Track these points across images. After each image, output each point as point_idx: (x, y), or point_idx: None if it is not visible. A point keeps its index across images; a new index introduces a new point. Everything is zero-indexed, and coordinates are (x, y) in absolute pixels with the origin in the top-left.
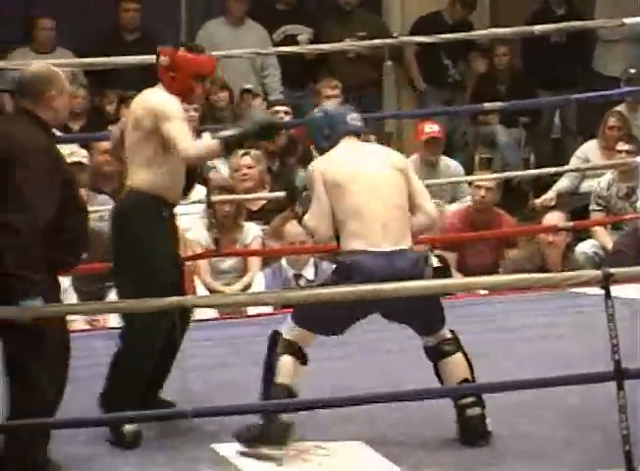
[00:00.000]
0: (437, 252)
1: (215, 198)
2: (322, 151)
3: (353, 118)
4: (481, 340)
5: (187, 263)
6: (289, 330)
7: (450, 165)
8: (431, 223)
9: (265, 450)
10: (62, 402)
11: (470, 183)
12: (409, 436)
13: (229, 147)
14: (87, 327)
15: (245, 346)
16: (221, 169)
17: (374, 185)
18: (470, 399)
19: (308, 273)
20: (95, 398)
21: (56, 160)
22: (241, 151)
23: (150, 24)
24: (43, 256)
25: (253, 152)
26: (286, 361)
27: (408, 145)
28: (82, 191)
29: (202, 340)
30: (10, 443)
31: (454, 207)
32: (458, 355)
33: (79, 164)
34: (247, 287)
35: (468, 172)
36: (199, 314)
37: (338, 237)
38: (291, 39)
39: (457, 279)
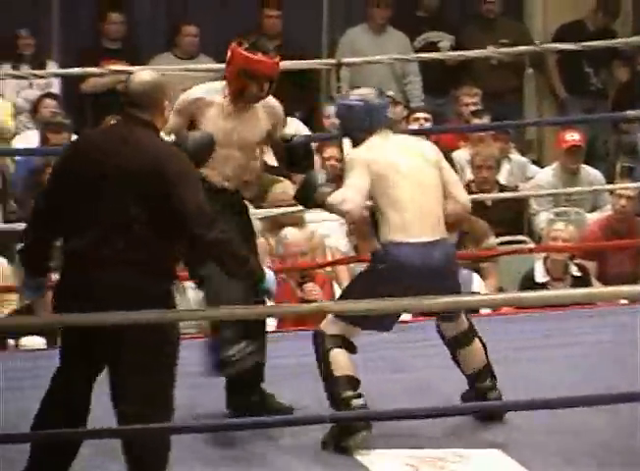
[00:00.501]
0: (577, 261)
1: None
2: (355, 140)
3: (390, 111)
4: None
5: (327, 269)
6: (332, 326)
7: (590, 173)
8: (463, 211)
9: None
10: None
11: (611, 192)
12: (545, 443)
13: None
14: None
15: (385, 352)
16: None
17: (414, 178)
18: (491, 383)
19: None
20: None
21: None
22: None
23: (291, 30)
24: None
25: None
26: (337, 353)
27: (549, 153)
28: None
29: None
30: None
31: (595, 216)
32: (476, 342)
33: None
34: None
35: (609, 181)
36: None
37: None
38: (432, 46)
39: (598, 287)
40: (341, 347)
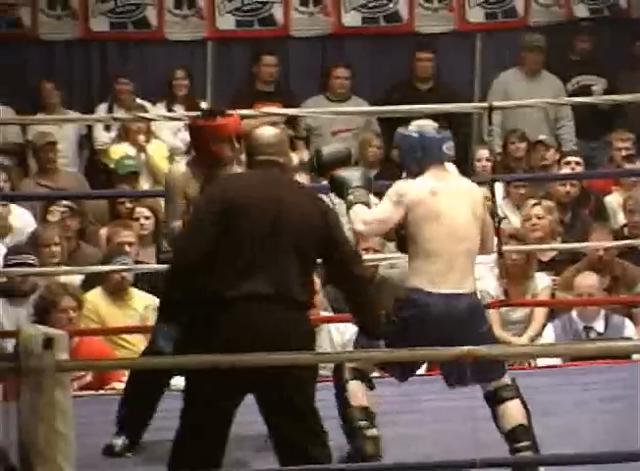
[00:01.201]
0: None
1: (506, 248)
2: (409, 170)
3: (448, 147)
4: None
5: None
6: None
7: None
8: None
9: None
10: None
11: None
12: None
13: None
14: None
15: (534, 396)
16: (512, 218)
17: (452, 228)
18: (525, 444)
19: (599, 325)
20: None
21: None
22: (532, 201)
23: (444, 73)
24: None
25: (544, 202)
26: (354, 384)
27: None
28: (376, 239)
29: None
30: None
31: None
32: (516, 401)
33: None
34: (535, 338)
35: None
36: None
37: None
38: (584, 90)
39: None
40: (357, 379)
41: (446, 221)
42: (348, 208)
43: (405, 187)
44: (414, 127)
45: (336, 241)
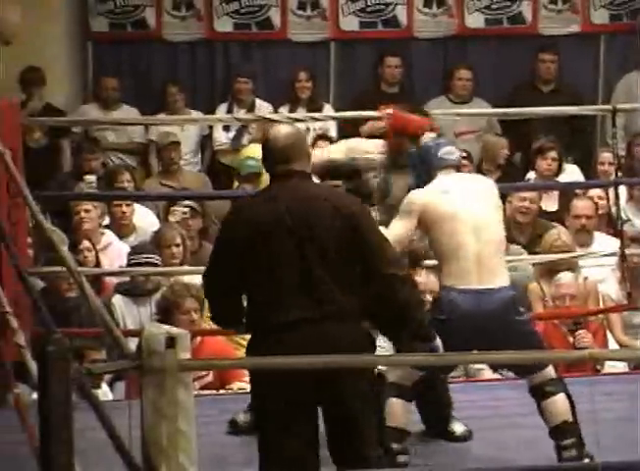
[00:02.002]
0: None
1: (629, 251)
2: (418, 186)
3: (446, 151)
4: None
5: (600, 316)
6: (393, 371)
7: None
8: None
9: None
10: None
11: None
12: None
13: None
14: (497, 377)
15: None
16: (636, 221)
17: (475, 224)
18: (569, 441)
19: None
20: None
21: None
22: None
23: (567, 75)
24: None
25: None
26: (394, 403)
27: None
28: None
29: (615, 393)
30: None
31: None
32: (561, 396)
33: None
34: None
35: None
36: (609, 368)
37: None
38: None
39: None
40: (398, 397)
41: (464, 217)
42: None
43: (414, 196)
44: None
45: (364, 244)
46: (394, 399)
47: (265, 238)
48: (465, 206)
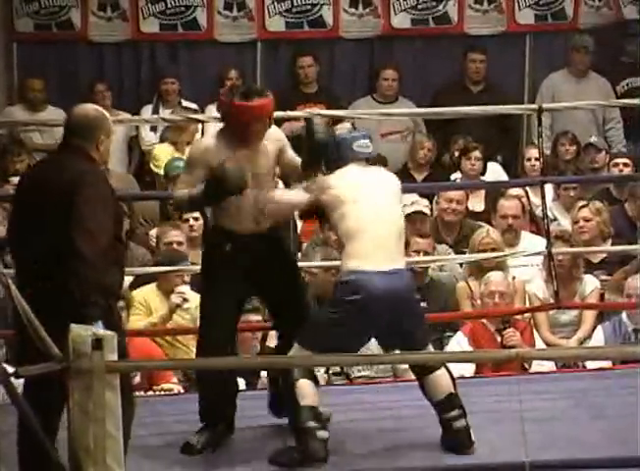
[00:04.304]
0: None
1: (555, 250)
2: (328, 172)
3: (361, 145)
4: None
5: (526, 315)
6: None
7: None
8: None
9: None
10: None
11: None
12: None
13: (190, 204)
14: None
15: (584, 399)
16: (562, 220)
17: (376, 210)
18: (457, 412)
19: None
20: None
21: (110, 193)
22: (581, 203)
23: (493, 75)
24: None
25: (593, 204)
26: (303, 384)
27: None
28: (430, 241)
29: (540, 392)
30: None
31: None
32: (443, 370)
33: (420, 213)
34: (584, 340)
35: None
36: (537, 367)
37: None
38: (635, 91)
39: None
40: (307, 378)
41: (367, 203)
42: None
43: (324, 180)
44: (327, 132)
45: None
46: (303, 380)
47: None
48: (368, 193)
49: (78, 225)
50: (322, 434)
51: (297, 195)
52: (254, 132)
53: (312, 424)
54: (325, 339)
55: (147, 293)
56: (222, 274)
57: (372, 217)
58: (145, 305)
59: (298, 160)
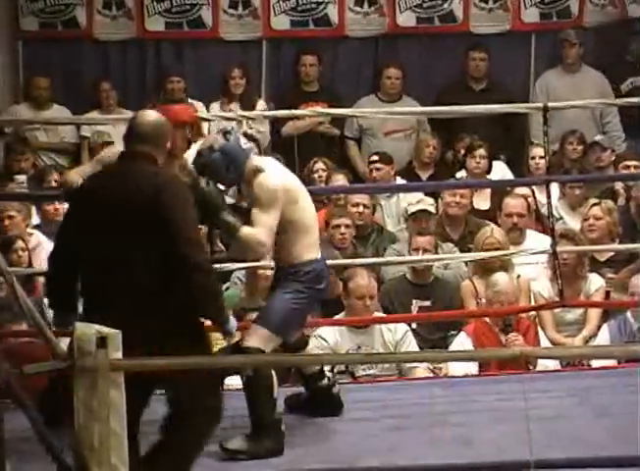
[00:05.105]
0: None
1: (559, 249)
2: (230, 183)
3: (244, 142)
4: None
5: (531, 314)
6: (258, 339)
7: None
8: None
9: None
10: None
11: None
12: None
13: None
14: (430, 375)
15: (589, 398)
16: (567, 219)
17: (310, 205)
18: (327, 382)
19: None
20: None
21: (190, 196)
22: (592, 201)
23: (498, 73)
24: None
25: (604, 203)
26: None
27: None
28: (432, 240)
29: (545, 390)
30: None
31: None
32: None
33: (425, 212)
34: (589, 339)
35: None
36: (541, 366)
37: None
38: (638, 90)
39: None
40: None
41: (306, 198)
42: (231, 231)
43: (272, 183)
44: (203, 149)
45: (165, 225)
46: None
47: (88, 214)
48: (303, 189)
49: (179, 236)
50: (282, 426)
51: (269, 220)
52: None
53: (279, 416)
54: (286, 322)
55: None
56: None
57: (313, 208)
58: None
59: None
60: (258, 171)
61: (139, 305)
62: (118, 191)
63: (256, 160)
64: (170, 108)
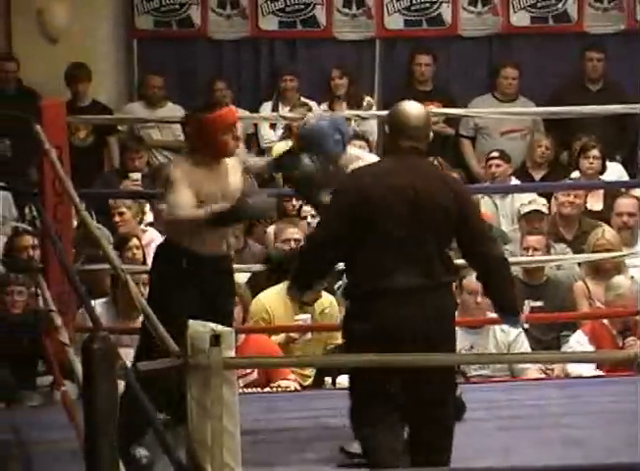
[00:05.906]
0: None
1: None
2: (336, 157)
3: (337, 140)
4: None
5: None
6: None
7: None
8: None
9: None
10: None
11: None
12: None
13: (213, 222)
14: (542, 375)
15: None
16: None
17: None
18: None
19: None
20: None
21: None
22: None
23: (613, 73)
24: None
25: None
26: None
27: None
28: (543, 239)
29: None
30: None
31: None
32: None
33: (538, 212)
34: None
35: None
36: None
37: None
38: None
39: None
40: None
41: None
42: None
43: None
44: (314, 119)
45: (466, 219)
46: None
47: (378, 208)
48: None
49: (483, 232)
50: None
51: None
52: (224, 145)
53: None
54: None
55: (267, 298)
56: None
57: None
58: (265, 311)
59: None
60: (358, 158)
61: (434, 297)
62: (420, 186)
63: (357, 151)
64: (218, 112)
